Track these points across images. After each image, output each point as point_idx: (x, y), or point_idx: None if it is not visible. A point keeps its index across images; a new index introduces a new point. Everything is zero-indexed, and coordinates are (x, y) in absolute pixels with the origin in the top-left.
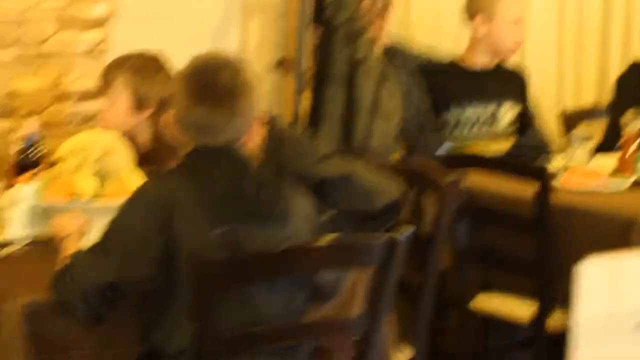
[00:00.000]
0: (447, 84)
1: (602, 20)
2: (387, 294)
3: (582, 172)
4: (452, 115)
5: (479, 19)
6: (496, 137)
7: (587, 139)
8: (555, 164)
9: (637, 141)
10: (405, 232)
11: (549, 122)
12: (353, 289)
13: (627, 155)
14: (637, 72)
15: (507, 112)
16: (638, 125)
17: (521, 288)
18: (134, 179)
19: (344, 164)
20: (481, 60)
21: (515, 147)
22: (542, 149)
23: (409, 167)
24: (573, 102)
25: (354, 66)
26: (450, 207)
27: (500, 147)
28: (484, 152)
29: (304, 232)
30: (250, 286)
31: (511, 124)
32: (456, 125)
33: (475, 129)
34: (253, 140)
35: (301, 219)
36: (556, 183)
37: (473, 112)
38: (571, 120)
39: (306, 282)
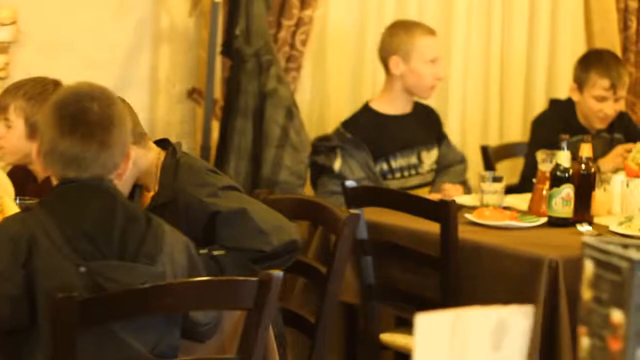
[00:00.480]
0: (370, 137)
1: (527, 57)
2: (261, 335)
3: (494, 209)
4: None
5: (395, 59)
6: (422, 183)
7: (499, 179)
8: (467, 200)
9: (549, 181)
10: (279, 273)
11: (473, 158)
12: (235, 329)
13: (539, 195)
14: (555, 110)
15: (430, 156)
16: (550, 165)
17: None
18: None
19: (240, 199)
20: (399, 101)
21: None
22: (462, 159)
23: (309, 201)
24: (497, 139)
25: (263, 98)
26: (348, 243)
27: (426, 194)
28: None
29: (177, 270)
30: (113, 325)
31: (434, 165)
32: (383, 177)
33: (401, 181)
34: (125, 174)
35: (173, 256)
36: (469, 216)
37: (398, 163)
38: (494, 156)
39: (178, 321)
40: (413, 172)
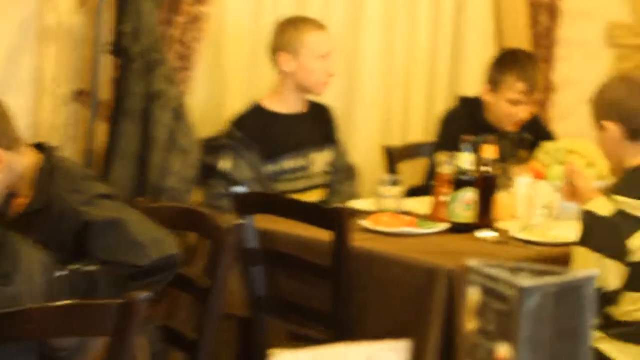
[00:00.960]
0: (259, 137)
1: (431, 54)
2: None
3: (392, 214)
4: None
5: (284, 56)
6: (312, 185)
7: (397, 182)
8: (364, 205)
9: (449, 184)
10: (143, 295)
11: (375, 159)
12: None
13: (439, 199)
14: (465, 107)
15: (322, 157)
16: (450, 167)
17: (324, 338)
18: None
19: (116, 208)
20: (290, 99)
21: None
22: (350, 172)
23: (190, 210)
24: (400, 138)
25: (150, 99)
26: (230, 254)
27: (316, 196)
28: None
29: (34, 290)
30: None
31: (326, 166)
32: (273, 178)
33: (290, 182)
34: None
35: (31, 276)
36: (364, 223)
37: (287, 164)
38: (397, 157)
39: (33, 347)
40: (302, 174)
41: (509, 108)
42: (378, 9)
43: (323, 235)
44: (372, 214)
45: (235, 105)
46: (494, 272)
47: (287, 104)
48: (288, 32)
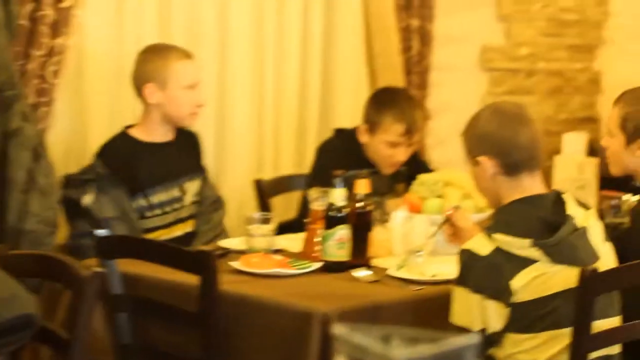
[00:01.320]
0: (126, 168)
1: (301, 82)
2: None
3: (263, 254)
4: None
5: (150, 87)
6: (183, 218)
7: (267, 220)
8: (235, 244)
9: (322, 221)
10: None
11: (246, 192)
12: None
13: (311, 237)
14: (341, 139)
15: (192, 187)
16: (323, 203)
17: None
18: None
19: None
20: (158, 132)
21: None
22: (219, 203)
23: (47, 257)
24: (272, 171)
25: (6, 138)
26: (90, 304)
27: (185, 228)
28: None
29: None
30: None
31: (195, 196)
32: (142, 214)
33: (159, 217)
34: None
35: None
36: (235, 264)
37: (158, 197)
38: (268, 191)
39: None
40: (176, 205)
41: (387, 150)
42: (246, 38)
43: (191, 279)
44: (243, 254)
45: (99, 139)
46: (363, 342)
47: (154, 135)
48: (153, 61)
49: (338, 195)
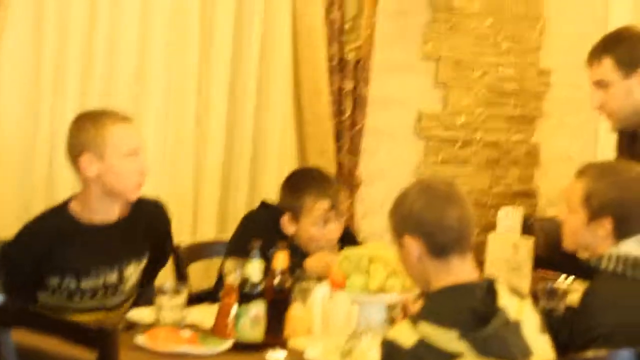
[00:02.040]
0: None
1: (226, 150)
2: None
3: (171, 329)
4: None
5: (86, 158)
6: (118, 304)
7: (179, 290)
8: (142, 315)
9: (237, 296)
10: None
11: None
12: None
13: (224, 313)
14: (266, 214)
15: (134, 272)
16: (239, 277)
17: None
18: None
19: None
20: (101, 209)
21: None
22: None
23: None
24: (191, 236)
25: None
26: None
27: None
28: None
29: None
30: None
31: (137, 280)
32: (70, 296)
33: (92, 301)
34: None
35: None
36: (140, 340)
37: (91, 283)
38: (186, 257)
39: None
40: (111, 291)
41: (318, 231)
42: (170, 99)
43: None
44: (150, 327)
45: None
46: None
47: (96, 212)
48: (86, 129)
49: (254, 269)
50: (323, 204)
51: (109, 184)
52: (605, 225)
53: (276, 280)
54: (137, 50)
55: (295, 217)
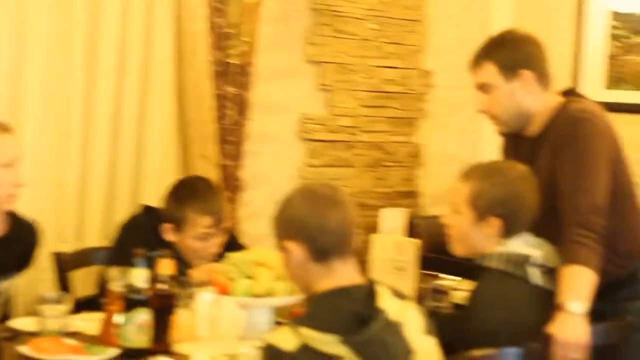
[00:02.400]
0: None
1: (110, 155)
2: None
3: (54, 338)
4: None
5: None
6: None
7: (61, 299)
8: (25, 324)
9: (121, 303)
10: None
11: (46, 266)
12: None
13: (109, 320)
14: (149, 217)
15: (7, 288)
16: (123, 284)
17: None
18: None
19: None
20: None
21: None
22: None
23: None
24: (76, 243)
25: None
26: None
27: None
28: None
29: None
30: None
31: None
32: None
33: None
34: None
35: None
36: (23, 349)
37: None
38: (68, 265)
39: None
40: None
41: (198, 244)
42: (51, 101)
43: None
44: (34, 336)
45: None
46: None
47: None
48: None
49: (139, 276)
50: (206, 220)
51: None
52: (493, 225)
53: (161, 287)
54: (15, 52)
55: (178, 228)
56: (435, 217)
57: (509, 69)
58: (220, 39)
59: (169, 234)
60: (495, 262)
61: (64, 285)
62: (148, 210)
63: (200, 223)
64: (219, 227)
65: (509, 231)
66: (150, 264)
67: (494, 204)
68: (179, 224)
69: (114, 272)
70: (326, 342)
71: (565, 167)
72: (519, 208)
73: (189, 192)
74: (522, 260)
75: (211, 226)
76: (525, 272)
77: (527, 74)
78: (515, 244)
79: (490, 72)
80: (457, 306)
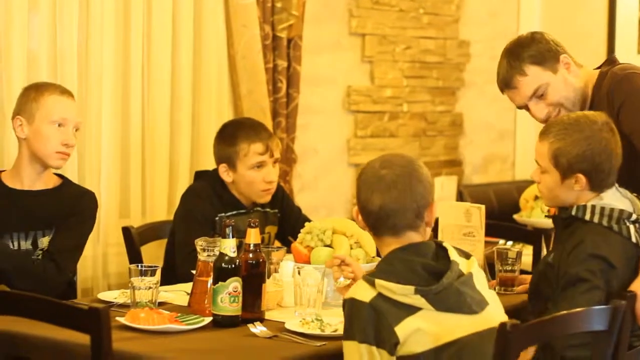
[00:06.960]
0: None
1: (170, 125)
2: None
3: (149, 309)
4: None
5: (19, 120)
6: None
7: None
8: (119, 296)
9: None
10: None
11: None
12: None
13: (200, 290)
14: (204, 182)
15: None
16: (211, 254)
17: None
18: None
19: None
20: (27, 172)
21: None
22: None
23: None
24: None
25: None
26: None
27: None
28: None
29: None
30: None
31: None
32: None
33: None
34: None
35: None
36: (123, 320)
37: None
38: (138, 239)
39: None
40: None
41: (256, 175)
42: (112, 78)
43: (76, 337)
44: (126, 308)
45: None
46: None
47: (22, 178)
48: (27, 95)
49: (229, 246)
50: (257, 148)
51: (33, 148)
52: (580, 181)
53: (251, 256)
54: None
55: (232, 165)
56: (478, 185)
57: (549, 60)
58: (270, 12)
59: (225, 175)
60: (597, 217)
61: (135, 259)
62: (200, 175)
63: (252, 150)
64: (270, 153)
65: (599, 184)
66: (219, 223)
67: (577, 160)
68: (232, 160)
69: (202, 242)
70: (402, 292)
71: (631, 123)
72: (604, 161)
73: (236, 126)
74: (621, 217)
75: (263, 152)
76: (627, 230)
77: (564, 57)
78: (612, 197)
79: (536, 73)
80: (522, 272)
